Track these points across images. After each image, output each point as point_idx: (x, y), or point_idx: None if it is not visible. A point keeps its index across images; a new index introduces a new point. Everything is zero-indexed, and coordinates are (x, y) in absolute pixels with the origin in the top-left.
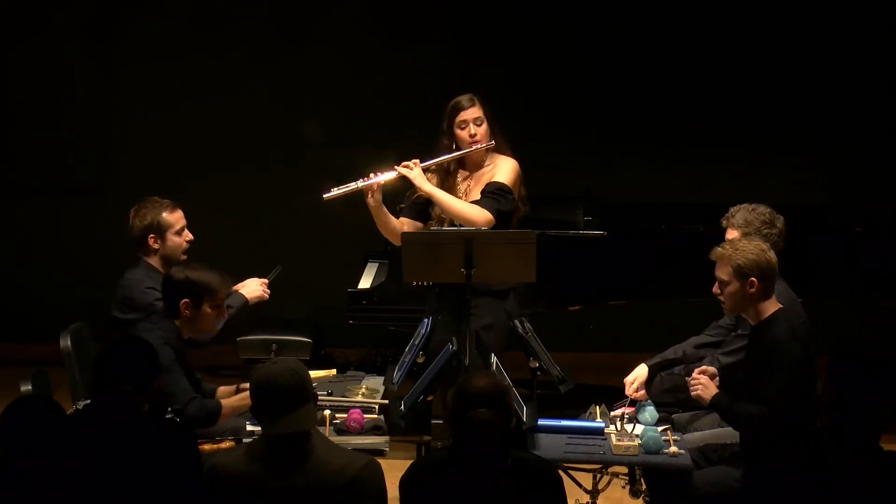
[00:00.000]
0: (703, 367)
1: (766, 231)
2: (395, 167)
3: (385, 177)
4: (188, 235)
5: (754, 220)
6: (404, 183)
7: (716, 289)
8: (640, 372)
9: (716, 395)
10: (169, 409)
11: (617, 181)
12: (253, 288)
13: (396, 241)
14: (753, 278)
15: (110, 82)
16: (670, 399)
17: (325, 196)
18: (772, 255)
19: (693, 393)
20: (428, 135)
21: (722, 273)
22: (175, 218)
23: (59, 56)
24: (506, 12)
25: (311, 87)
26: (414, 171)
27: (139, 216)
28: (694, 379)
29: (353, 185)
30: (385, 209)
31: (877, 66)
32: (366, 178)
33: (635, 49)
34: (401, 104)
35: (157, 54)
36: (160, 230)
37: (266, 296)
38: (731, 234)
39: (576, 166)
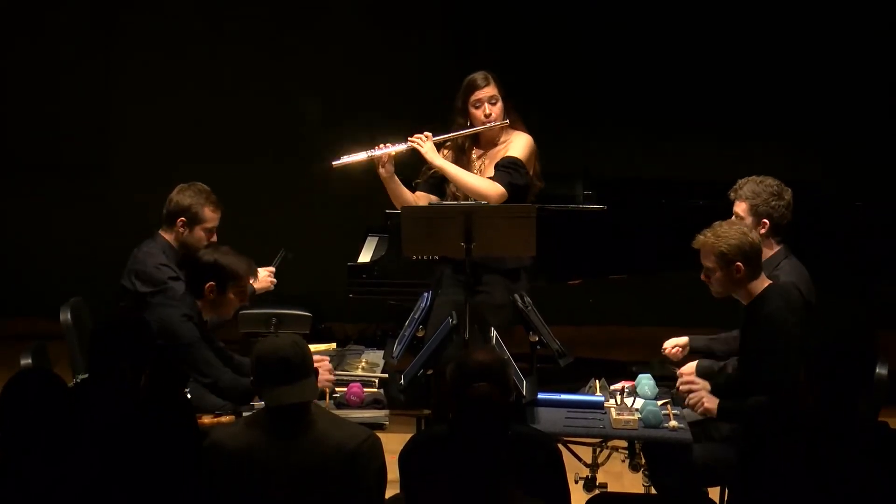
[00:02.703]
0: (695, 379)
1: (773, 203)
2: (408, 139)
3: (395, 148)
4: (214, 237)
5: (762, 191)
6: (417, 156)
7: (703, 276)
8: (684, 341)
9: (720, 405)
10: (188, 386)
11: (616, 158)
12: (260, 277)
13: None
14: (739, 263)
15: (112, 64)
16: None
17: (333, 164)
18: (754, 235)
19: (698, 411)
20: (428, 118)
21: (707, 261)
22: (214, 216)
23: (62, 41)
24: None
25: (310, 72)
26: (426, 145)
27: (183, 195)
28: (693, 398)
29: (363, 155)
30: (398, 180)
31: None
32: (376, 148)
33: (636, 26)
34: (398, 92)
35: (158, 45)
36: (195, 220)
37: (272, 285)
38: (740, 206)
39: (575, 143)
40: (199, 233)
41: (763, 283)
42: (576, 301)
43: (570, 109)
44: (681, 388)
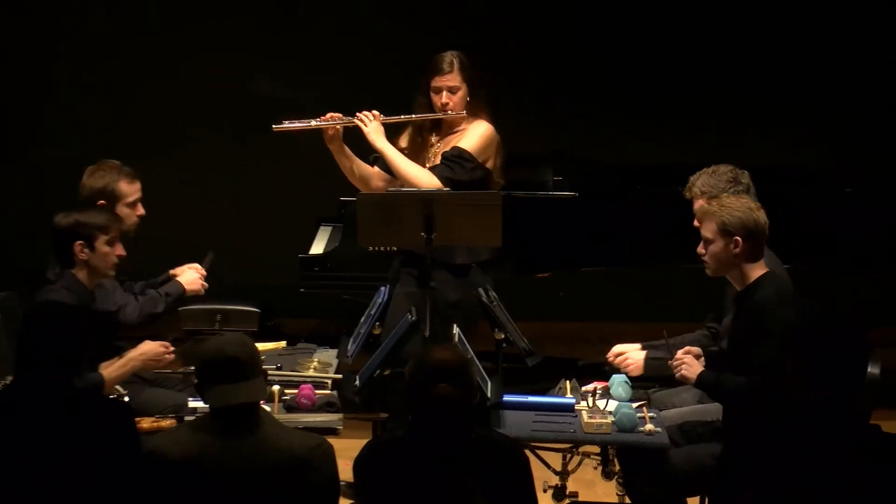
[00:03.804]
0: (688, 347)
1: (732, 190)
2: (356, 115)
3: (341, 122)
4: (140, 210)
5: (717, 181)
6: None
7: (700, 248)
8: (632, 347)
9: (701, 373)
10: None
11: (590, 140)
12: (191, 278)
13: (364, 190)
14: (738, 237)
15: (49, 38)
16: (655, 374)
17: (274, 127)
18: (761, 214)
19: (677, 374)
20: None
21: (707, 230)
22: (132, 189)
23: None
24: None
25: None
26: (370, 125)
27: (94, 177)
28: (678, 359)
29: (306, 122)
30: (350, 153)
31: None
32: (322, 119)
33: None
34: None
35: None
36: (114, 198)
37: (202, 290)
38: (698, 203)
39: (545, 124)
40: (122, 210)
41: (760, 269)
42: (545, 295)
43: (539, 88)
44: (674, 362)
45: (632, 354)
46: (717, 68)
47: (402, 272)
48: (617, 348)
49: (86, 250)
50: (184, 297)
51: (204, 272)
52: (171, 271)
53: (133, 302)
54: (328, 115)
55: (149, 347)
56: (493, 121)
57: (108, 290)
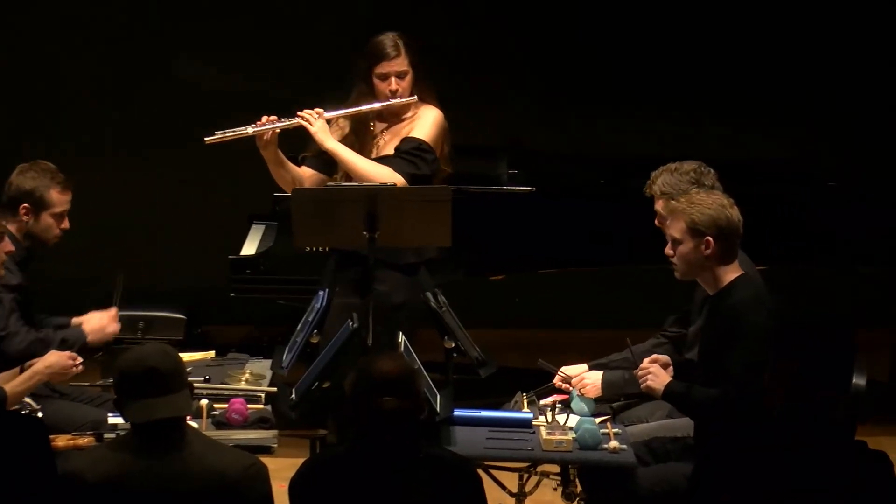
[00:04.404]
0: (655, 356)
1: (694, 190)
2: (297, 114)
3: (281, 124)
4: (66, 224)
5: (678, 181)
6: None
7: (668, 249)
8: (579, 369)
9: (669, 384)
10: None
11: (548, 129)
12: (96, 325)
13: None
14: (709, 237)
15: None
16: (615, 394)
17: (206, 140)
18: (734, 211)
19: (643, 385)
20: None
21: (674, 230)
22: (63, 199)
23: None
24: None
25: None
26: (316, 123)
27: (24, 177)
28: (643, 369)
29: (241, 130)
30: (284, 159)
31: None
32: (258, 124)
33: None
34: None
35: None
36: (41, 205)
37: (114, 332)
38: (658, 203)
39: (499, 111)
40: (46, 219)
41: (734, 272)
42: (499, 300)
43: (488, 70)
44: (639, 372)
45: (587, 375)
46: (696, 52)
47: (339, 274)
48: (565, 371)
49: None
50: (86, 346)
51: (114, 312)
52: (76, 320)
53: (24, 335)
54: (264, 118)
55: (54, 359)
56: (441, 105)
57: (4, 309)
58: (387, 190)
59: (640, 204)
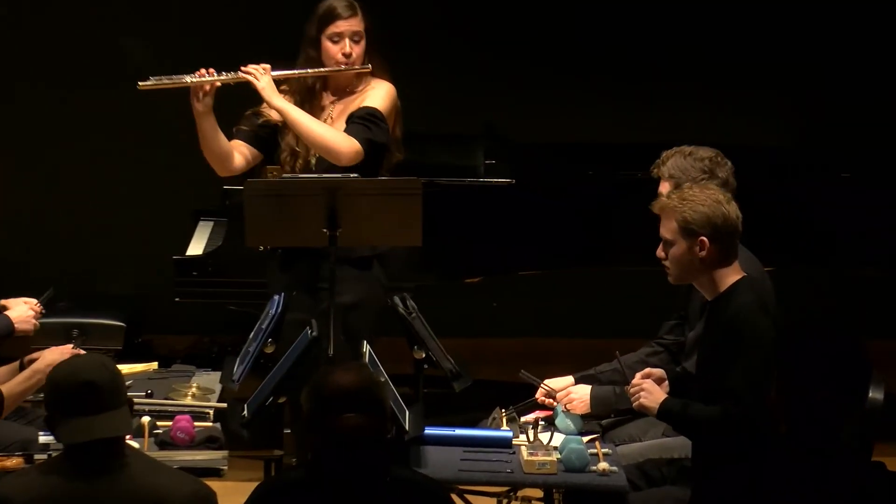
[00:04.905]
0: (649, 370)
1: (704, 182)
2: (241, 69)
3: (223, 77)
4: None
5: (689, 167)
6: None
7: (660, 251)
8: (564, 382)
9: (664, 402)
10: None
11: (530, 115)
12: (23, 314)
13: (220, 169)
14: (703, 237)
15: None
16: (605, 411)
17: (140, 85)
18: (732, 207)
19: (635, 403)
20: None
21: (666, 230)
22: None
23: None
24: None
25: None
26: (262, 79)
27: None
28: (635, 385)
29: (178, 79)
30: (214, 121)
31: None
32: (198, 74)
33: None
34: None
35: None
36: None
37: (33, 331)
38: (663, 186)
39: (475, 96)
40: None
41: (735, 275)
42: (476, 306)
43: (463, 49)
44: (631, 389)
45: (574, 389)
46: (689, 31)
47: (284, 274)
48: (548, 384)
49: None
50: (11, 335)
51: (39, 309)
52: (2, 301)
53: None
54: (203, 70)
55: (56, 356)
56: (396, 83)
57: None
58: (350, 182)
59: (632, 198)
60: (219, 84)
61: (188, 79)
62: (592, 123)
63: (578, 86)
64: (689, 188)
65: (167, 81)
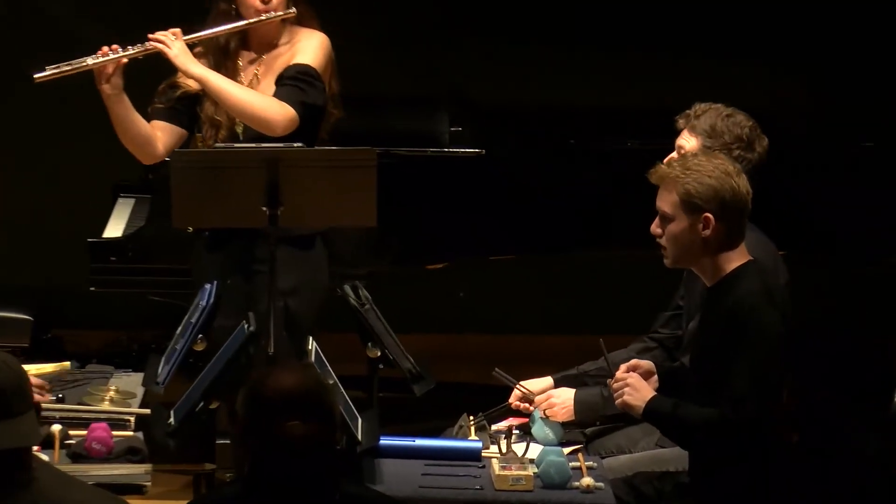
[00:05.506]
0: (635, 361)
1: (737, 153)
2: (148, 38)
3: (129, 52)
4: None
5: (725, 130)
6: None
7: (655, 226)
8: (543, 384)
9: (651, 400)
10: None
11: (501, 76)
12: None
13: (143, 157)
14: (708, 214)
15: None
16: (592, 418)
17: (35, 77)
18: (742, 181)
19: (618, 401)
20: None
21: (665, 203)
22: None
23: None
24: None
25: None
26: (174, 46)
27: None
28: (619, 379)
29: (78, 63)
30: (128, 103)
31: None
32: (100, 53)
33: None
34: None
35: None
36: None
37: None
38: (687, 139)
39: (438, 54)
40: None
41: (740, 258)
42: (439, 296)
43: (429, 4)
44: (614, 384)
45: (555, 393)
46: None
47: (211, 257)
48: (525, 386)
49: None
50: None
51: None
52: None
53: None
54: (103, 48)
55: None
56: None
57: None
58: (293, 152)
59: (622, 171)
60: (125, 61)
61: (90, 60)
62: (574, 86)
63: (558, 42)
64: (693, 156)
65: (66, 68)
